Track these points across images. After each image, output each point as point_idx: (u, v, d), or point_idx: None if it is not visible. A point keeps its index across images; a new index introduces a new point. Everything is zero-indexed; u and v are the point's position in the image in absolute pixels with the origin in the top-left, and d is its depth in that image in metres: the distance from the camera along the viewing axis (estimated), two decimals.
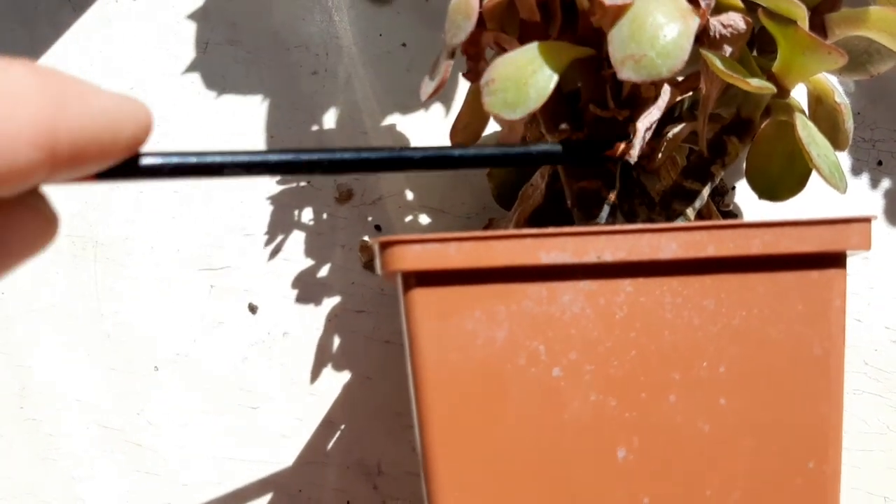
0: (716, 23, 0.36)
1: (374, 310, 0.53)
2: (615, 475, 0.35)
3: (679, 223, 0.40)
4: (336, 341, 0.53)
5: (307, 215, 0.54)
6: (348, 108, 0.54)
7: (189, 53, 0.55)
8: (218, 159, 0.29)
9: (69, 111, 0.23)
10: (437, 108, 0.54)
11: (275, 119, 0.54)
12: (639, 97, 0.39)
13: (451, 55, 0.38)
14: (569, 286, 0.34)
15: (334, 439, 0.53)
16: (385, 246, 0.34)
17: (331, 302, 0.53)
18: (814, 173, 0.38)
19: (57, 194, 0.53)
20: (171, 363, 0.54)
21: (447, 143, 0.46)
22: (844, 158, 0.52)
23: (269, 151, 0.31)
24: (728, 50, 0.37)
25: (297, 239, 0.54)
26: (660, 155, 0.41)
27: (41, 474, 0.54)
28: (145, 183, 0.53)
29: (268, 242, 0.54)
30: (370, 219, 0.54)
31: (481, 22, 0.37)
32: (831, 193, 0.38)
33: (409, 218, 0.54)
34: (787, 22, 0.36)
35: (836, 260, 0.35)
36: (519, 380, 0.35)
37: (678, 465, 0.35)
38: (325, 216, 0.54)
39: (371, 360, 0.53)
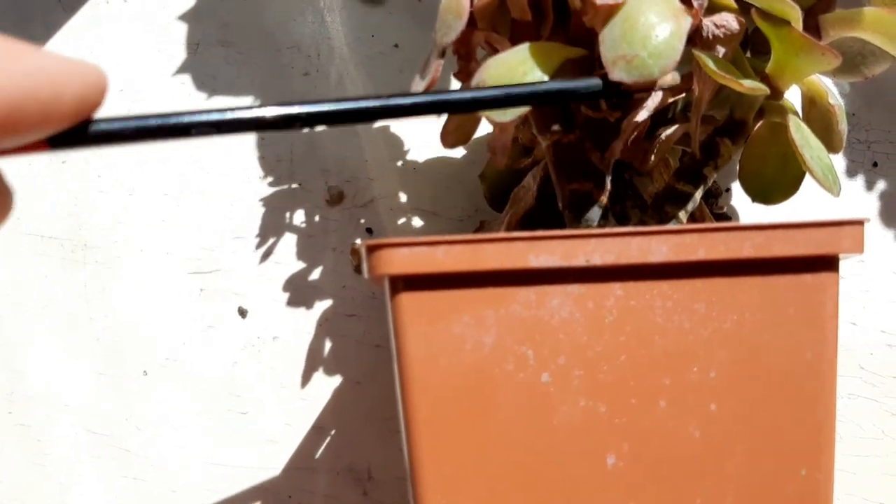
0: (709, 23, 0.36)
1: (365, 314, 0.53)
2: (605, 482, 0.34)
3: (670, 226, 0.39)
4: (327, 345, 0.53)
5: (298, 218, 0.53)
6: None
7: (180, 54, 0.55)
8: (185, 119, 0.27)
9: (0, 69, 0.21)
10: None
11: None
12: (631, 98, 0.38)
13: (442, 55, 0.37)
14: (558, 290, 0.34)
15: (324, 444, 0.53)
16: (372, 249, 0.34)
17: (322, 306, 0.53)
18: (808, 175, 0.37)
19: (46, 196, 0.53)
20: (161, 367, 0.53)
21: (438, 145, 0.45)
22: (839, 160, 0.52)
23: (241, 108, 0.28)
24: (721, 51, 0.36)
25: (287, 242, 0.53)
26: (652, 157, 0.41)
27: (30, 479, 0.53)
28: (137, 184, 0.53)
29: (258, 245, 0.53)
30: (362, 221, 0.53)
31: (472, 21, 0.37)
32: (826, 196, 0.38)
33: (401, 220, 0.53)
34: (781, 23, 0.35)
35: (828, 263, 0.34)
36: (507, 385, 0.34)
37: (668, 472, 0.35)
38: (316, 219, 0.53)
39: (361, 365, 0.53)
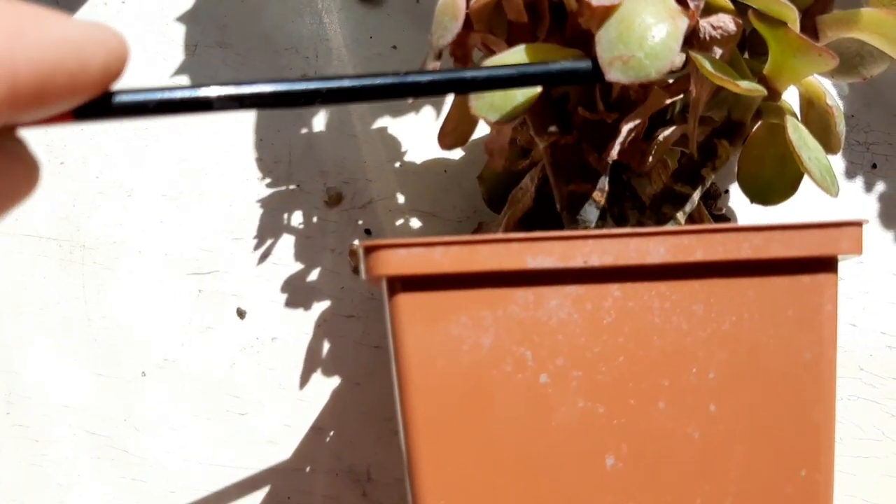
0: (706, 24, 0.36)
1: (364, 315, 0.53)
2: (603, 483, 0.34)
3: (668, 227, 0.39)
4: (325, 346, 0.53)
5: (296, 219, 0.53)
6: (338, 111, 0.54)
7: (178, 55, 0.55)
8: (208, 92, 0.26)
9: (27, 38, 0.21)
10: (428, 110, 0.54)
11: (264, 121, 0.54)
12: (628, 99, 0.38)
13: (438, 56, 0.37)
14: (556, 291, 0.34)
15: (323, 445, 0.53)
16: (370, 250, 0.34)
17: (320, 307, 0.53)
18: (806, 176, 0.37)
19: (45, 197, 0.53)
20: (159, 368, 0.53)
21: (436, 146, 0.45)
22: (839, 161, 0.52)
23: (262, 81, 0.27)
24: (718, 52, 0.36)
25: (286, 243, 0.53)
26: (650, 158, 0.41)
27: (28, 480, 0.53)
28: (136, 185, 0.53)
29: (257, 246, 0.53)
30: (360, 222, 0.53)
31: (468, 23, 0.37)
32: (825, 197, 0.38)
33: (399, 222, 0.53)
34: (778, 24, 0.35)
35: (827, 264, 0.34)
36: (505, 386, 0.34)
37: (667, 473, 0.34)
38: (314, 220, 0.53)
39: (360, 366, 0.53)
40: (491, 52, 0.37)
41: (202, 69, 0.54)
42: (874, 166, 0.52)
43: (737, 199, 0.51)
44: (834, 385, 0.35)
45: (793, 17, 0.35)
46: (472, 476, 0.34)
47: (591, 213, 0.38)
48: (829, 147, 0.39)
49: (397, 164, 0.53)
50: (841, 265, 0.47)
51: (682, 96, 0.40)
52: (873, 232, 0.51)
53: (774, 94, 0.38)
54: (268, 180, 0.53)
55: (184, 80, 0.55)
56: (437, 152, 0.53)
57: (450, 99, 0.52)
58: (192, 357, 0.53)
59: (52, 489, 0.53)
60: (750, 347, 0.34)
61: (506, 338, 0.34)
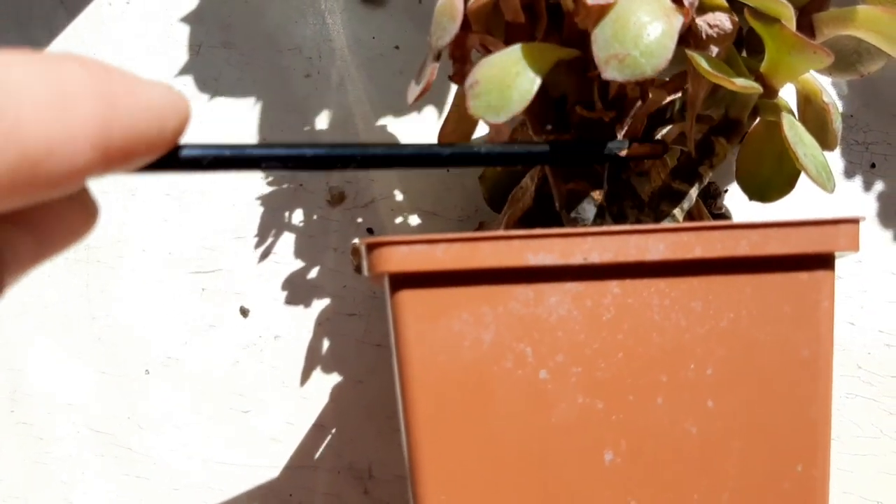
0: (702, 23, 0.36)
1: (366, 313, 0.53)
2: (602, 478, 0.35)
3: (666, 224, 0.40)
4: (327, 344, 0.53)
5: (299, 218, 0.54)
6: (341, 111, 0.54)
7: (182, 56, 0.55)
8: (255, 152, 0.29)
9: (120, 108, 0.22)
10: (430, 110, 0.54)
11: (268, 121, 0.54)
12: (626, 98, 0.38)
13: (437, 57, 0.38)
14: (556, 288, 0.34)
15: (325, 443, 0.53)
16: (372, 247, 0.34)
17: (322, 305, 0.53)
18: (804, 174, 0.38)
19: None
20: (162, 366, 0.53)
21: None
22: (837, 161, 0.52)
23: (304, 145, 0.30)
24: (715, 50, 0.37)
25: (288, 241, 0.54)
26: None
27: (32, 478, 0.54)
28: (139, 184, 0.53)
29: (259, 245, 0.54)
30: (362, 221, 0.54)
31: (466, 24, 0.37)
32: (824, 195, 0.38)
33: (400, 220, 0.54)
34: (773, 21, 0.35)
35: (824, 261, 0.34)
36: (506, 382, 0.34)
37: (666, 468, 0.35)
38: (316, 218, 0.54)
39: (362, 364, 0.53)
40: (489, 53, 0.38)
41: (206, 69, 0.55)
42: (873, 166, 0.52)
43: (736, 198, 0.52)
44: (830, 382, 0.35)
45: (788, 15, 0.35)
46: (472, 471, 0.35)
47: (589, 210, 0.39)
48: (826, 144, 0.40)
49: None
50: (839, 264, 0.47)
51: (680, 94, 0.41)
52: (872, 231, 0.52)
53: (771, 91, 0.38)
54: (270, 179, 0.54)
55: (188, 80, 0.55)
56: None
57: (450, 99, 0.52)
58: (194, 355, 0.53)
59: (55, 487, 0.54)
60: (747, 344, 0.35)
61: (506, 334, 0.34)
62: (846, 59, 0.42)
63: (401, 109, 0.54)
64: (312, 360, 0.53)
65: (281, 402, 0.53)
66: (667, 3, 0.34)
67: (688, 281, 0.34)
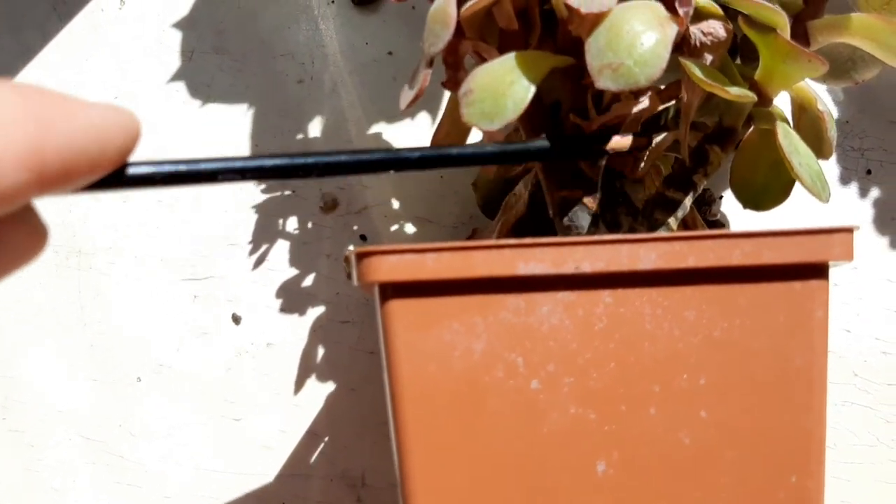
0: (696, 31, 0.36)
1: (359, 320, 0.53)
2: (595, 489, 0.34)
3: (659, 234, 0.39)
4: (320, 352, 0.53)
5: (292, 224, 0.53)
6: (334, 117, 0.54)
7: (175, 61, 0.55)
8: (211, 166, 0.29)
9: (55, 129, 0.23)
10: (424, 116, 0.54)
11: (260, 127, 0.54)
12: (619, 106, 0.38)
13: (430, 64, 0.37)
14: (547, 297, 0.34)
15: (318, 451, 0.53)
16: (362, 257, 0.34)
17: (315, 312, 0.53)
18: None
19: (41, 203, 0.53)
20: (155, 373, 0.53)
21: None
22: (833, 167, 0.52)
23: (263, 156, 0.30)
24: (709, 58, 0.36)
25: (281, 248, 0.53)
26: (643, 164, 0.41)
27: (23, 485, 0.53)
28: (132, 192, 0.53)
29: (252, 252, 0.53)
30: (356, 228, 0.53)
31: (460, 31, 0.37)
32: (819, 202, 0.38)
33: (394, 227, 0.53)
34: (768, 30, 0.35)
35: (818, 271, 0.34)
36: (497, 392, 0.34)
37: (659, 479, 0.35)
38: (310, 225, 0.53)
39: (355, 371, 0.53)
40: (482, 60, 0.37)
41: (199, 75, 0.55)
42: (869, 172, 0.52)
43: (731, 205, 0.52)
44: (825, 391, 0.35)
45: (783, 23, 0.35)
46: (463, 481, 0.34)
47: (583, 218, 0.38)
48: (821, 152, 0.40)
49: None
50: (835, 271, 0.47)
51: (674, 102, 0.40)
52: (868, 238, 0.52)
53: (765, 99, 0.38)
54: (263, 185, 0.54)
55: (180, 86, 0.55)
56: None
57: (444, 105, 0.52)
58: (187, 362, 0.53)
59: (47, 494, 0.53)
60: (741, 354, 0.34)
61: (497, 344, 0.34)
62: (841, 66, 0.42)
63: (394, 115, 0.54)
64: (305, 367, 0.53)
65: (274, 409, 0.53)
66: (661, 11, 0.34)
67: (681, 290, 0.34)
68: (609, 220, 0.40)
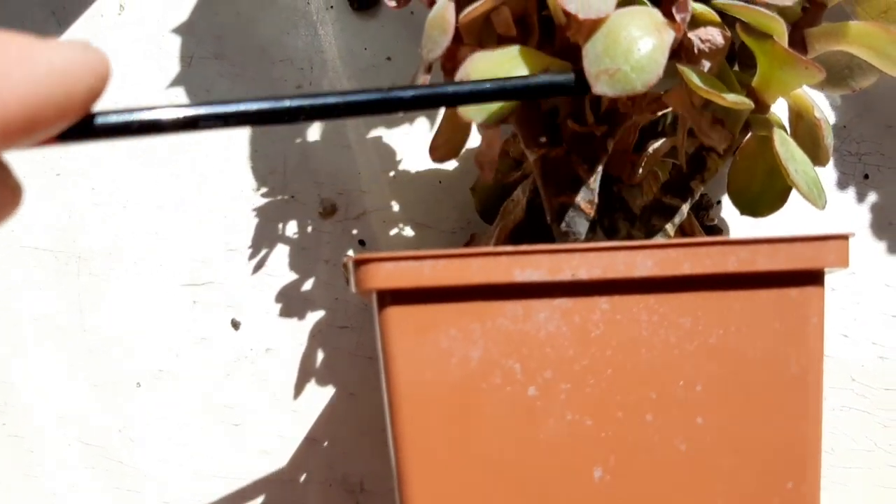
0: (694, 37, 0.36)
1: (358, 325, 0.53)
2: (591, 495, 0.35)
3: (655, 241, 0.39)
4: (319, 357, 0.53)
5: (291, 230, 0.54)
6: (332, 122, 0.54)
7: (174, 67, 0.55)
8: (191, 111, 0.27)
9: (15, 76, 0.21)
10: (422, 121, 0.54)
11: (259, 132, 0.54)
12: (617, 112, 0.38)
13: (429, 70, 0.37)
14: (544, 304, 0.34)
15: (317, 456, 0.53)
16: (359, 264, 0.34)
17: (314, 317, 0.53)
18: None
19: (41, 208, 0.53)
20: (154, 379, 0.53)
21: (428, 158, 0.45)
22: (831, 172, 0.52)
23: (247, 100, 0.28)
24: (706, 65, 0.37)
25: (280, 254, 0.53)
26: (641, 170, 0.41)
27: (22, 490, 0.53)
28: (131, 197, 0.53)
29: (251, 257, 0.53)
30: (355, 233, 0.53)
31: (458, 37, 0.37)
32: (815, 209, 0.38)
33: (393, 232, 0.53)
34: (765, 37, 0.35)
35: (813, 278, 0.34)
36: (494, 399, 0.34)
37: (655, 485, 0.35)
38: (309, 231, 0.53)
39: (354, 377, 0.53)
40: None
41: (198, 81, 0.55)
42: (866, 177, 0.52)
43: (729, 210, 0.52)
44: (821, 398, 0.35)
45: (780, 30, 0.35)
46: (460, 488, 0.34)
47: (580, 224, 0.39)
48: (818, 159, 0.40)
49: (391, 175, 0.54)
50: (832, 276, 0.47)
51: (671, 109, 0.41)
52: (865, 242, 0.52)
53: (763, 106, 0.38)
54: (262, 191, 0.54)
55: (180, 91, 0.55)
56: (430, 163, 0.53)
57: (442, 110, 0.52)
58: (186, 368, 0.53)
59: (46, 499, 0.53)
60: (737, 360, 0.34)
61: (494, 350, 0.34)
62: (838, 74, 0.42)
63: (392, 121, 0.54)
64: (304, 372, 0.53)
65: (272, 414, 0.53)
66: (658, 17, 0.34)
67: (677, 297, 0.34)
68: (607, 226, 0.40)
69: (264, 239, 0.54)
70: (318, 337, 0.53)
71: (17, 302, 0.54)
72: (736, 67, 0.41)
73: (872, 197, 0.52)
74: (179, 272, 0.54)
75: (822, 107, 0.41)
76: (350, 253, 0.53)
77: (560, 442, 0.34)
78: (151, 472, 0.53)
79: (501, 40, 0.38)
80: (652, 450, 0.34)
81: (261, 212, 0.54)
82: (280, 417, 0.53)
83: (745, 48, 0.39)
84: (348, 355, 0.53)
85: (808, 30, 0.39)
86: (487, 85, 0.32)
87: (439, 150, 0.44)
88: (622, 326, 0.34)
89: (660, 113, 0.40)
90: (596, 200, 0.39)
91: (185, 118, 0.26)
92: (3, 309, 0.54)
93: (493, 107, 0.34)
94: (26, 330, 0.54)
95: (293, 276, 0.53)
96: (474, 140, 0.46)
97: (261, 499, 0.53)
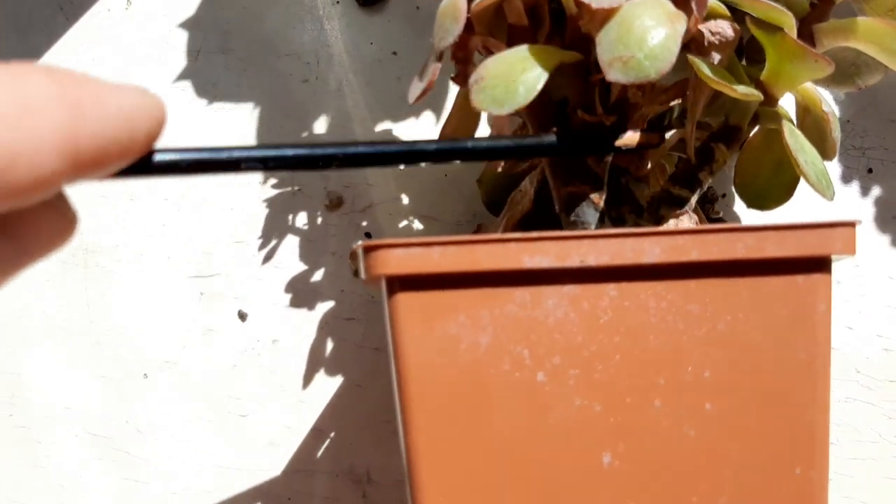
0: (704, 30, 0.36)
1: (365, 317, 0.53)
2: (600, 481, 0.35)
3: (663, 227, 0.40)
4: (326, 348, 0.53)
5: (298, 222, 0.54)
6: (339, 116, 0.54)
7: (181, 61, 0.55)
8: (235, 154, 0.29)
9: (89, 116, 0.23)
10: (428, 115, 0.54)
11: (266, 127, 0.54)
12: (627, 102, 0.39)
13: (440, 58, 0.38)
14: (553, 290, 0.34)
15: (324, 447, 0.53)
16: (369, 250, 0.34)
17: (321, 309, 0.53)
18: (802, 182, 0.38)
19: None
20: (161, 371, 0.54)
21: None
22: (834, 166, 0.52)
23: (285, 145, 0.30)
24: (716, 57, 0.37)
25: (287, 246, 0.54)
26: (649, 162, 0.41)
27: (30, 482, 0.54)
28: (137, 190, 0.53)
29: (258, 249, 0.54)
30: (363, 224, 0.54)
31: (469, 26, 0.37)
32: (821, 202, 0.38)
33: (400, 224, 0.54)
34: (775, 30, 0.36)
35: (821, 264, 0.35)
36: (503, 385, 0.34)
37: (664, 471, 0.35)
38: (315, 223, 0.54)
39: (361, 368, 0.53)
40: (491, 55, 0.38)
41: (204, 75, 0.55)
42: (870, 171, 0.52)
43: (735, 202, 0.52)
44: (828, 384, 0.35)
45: (790, 24, 0.35)
46: (470, 474, 0.35)
47: (589, 214, 0.39)
48: (825, 153, 0.40)
49: (398, 168, 0.54)
50: (837, 268, 0.47)
51: (680, 101, 0.41)
52: (869, 235, 0.52)
53: (771, 99, 0.38)
54: (269, 183, 0.54)
55: (186, 85, 0.55)
56: None
57: (450, 103, 0.52)
58: (193, 359, 0.53)
59: (54, 491, 0.54)
60: (745, 346, 0.35)
61: (503, 337, 0.34)
62: (845, 70, 0.42)
63: (399, 114, 0.54)
64: (311, 363, 0.53)
65: (279, 405, 0.53)
66: (671, 8, 0.34)
67: (685, 284, 0.35)
68: (615, 217, 0.41)
69: (271, 231, 0.54)
70: (324, 329, 0.53)
71: (24, 294, 0.54)
72: (744, 62, 0.42)
73: (876, 191, 0.52)
74: (186, 264, 0.54)
75: (829, 103, 0.41)
76: (358, 243, 0.53)
77: (569, 427, 0.35)
78: (158, 463, 0.53)
79: (512, 30, 0.39)
80: (660, 435, 0.35)
81: (268, 204, 0.54)
82: (287, 408, 0.53)
83: (753, 43, 0.39)
84: (355, 347, 0.53)
85: (817, 25, 0.39)
86: (506, 142, 0.36)
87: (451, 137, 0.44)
88: (630, 313, 0.34)
89: (669, 104, 0.41)
90: (605, 191, 0.39)
91: (228, 159, 0.29)
92: (11, 301, 0.54)
93: (509, 100, 0.35)
94: (33, 322, 0.54)
95: (300, 269, 0.53)
96: (483, 130, 0.47)
97: (267, 490, 0.53)
